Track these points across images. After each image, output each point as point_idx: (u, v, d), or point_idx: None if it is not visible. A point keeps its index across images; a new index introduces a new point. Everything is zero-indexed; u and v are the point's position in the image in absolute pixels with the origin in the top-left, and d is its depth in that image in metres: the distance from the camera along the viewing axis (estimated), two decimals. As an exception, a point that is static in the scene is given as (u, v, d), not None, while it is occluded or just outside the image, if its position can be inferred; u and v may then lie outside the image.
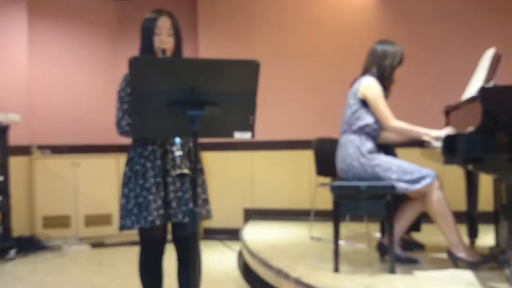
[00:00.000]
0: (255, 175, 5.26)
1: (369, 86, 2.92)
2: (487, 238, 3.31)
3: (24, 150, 5.04)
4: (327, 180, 3.76)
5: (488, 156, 2.35)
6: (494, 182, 2.98)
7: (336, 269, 2.78)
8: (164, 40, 2.17)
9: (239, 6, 5.41)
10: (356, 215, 3.92)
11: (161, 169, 2.18)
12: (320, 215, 4.14)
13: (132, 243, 4.55)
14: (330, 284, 2.59)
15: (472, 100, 2.63)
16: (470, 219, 3.30)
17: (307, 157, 4.37)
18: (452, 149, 2.42)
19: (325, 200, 3.54)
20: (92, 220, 5.14)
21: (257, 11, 5.36)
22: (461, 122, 2.88)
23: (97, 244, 5.07)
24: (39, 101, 5.32)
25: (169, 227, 2.25)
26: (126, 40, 5.66)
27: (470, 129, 2.39)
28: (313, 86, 5.15)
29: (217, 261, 4.28)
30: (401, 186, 2.80)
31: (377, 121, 2.93)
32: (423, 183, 2.79)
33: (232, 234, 4.95)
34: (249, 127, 1.75)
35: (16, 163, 4.79)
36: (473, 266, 2.73)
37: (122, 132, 2.18)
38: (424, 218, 3.13)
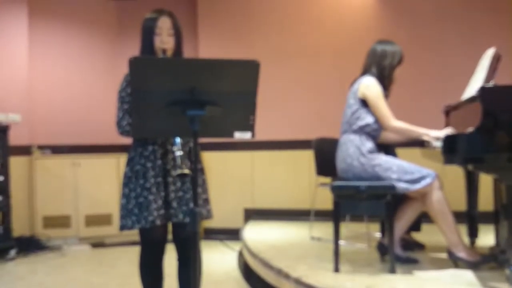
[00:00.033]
0: (255, 175, 5.27)
1: (369, 86, 2.92)
2: (487, 238, 3.31)
3: (24, 150, 5.05)
4: (327, 180, 3.76)
5: (488, 156, 2.35)
6: (494, 182, 2.98)
7: (336, 269, 2.78)
8: (164, 40, 2.17)
9: (239, 6, 5.41)
10: (356, 215, 3.92)
11: (162, 169, 2.18)
12: (320, 215, 4.14)
13: (133, 243, 4.55)
14: (331, 284, 2.59)
15: (472, 100, 2.63)
16: (470, 219, 3.30)
17: (307, 157, 4.37)
18: (452, 149, 2.42)
19: (325, 200, 3.54)
20: (92, 220, 5.14)
21: (257, 11, 5.37)
22: (461, 122, 2.88)
23: (98, 244, 5.08)
24: (39, 101, 5.33)
25: (170, 227, 2.25)
26: (126, 40, 5.66)
27: (470, 129, 2.39)
28: (313, 86, 5.15)
29: (217, 261, 4.28)
30: (401, 186, 2.80)
31: (377, 121, 2.93)
32: (423, 183, 2.79)
33: (232, 234, 4.95)
34: (249, 127, 1.75)
35: (16, 163, 4.79)
36: (473, 266, 2.73)
37: (123, 132, 2.18)
38: (424, 218, 3.13)
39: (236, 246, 4.57)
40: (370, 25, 5.01)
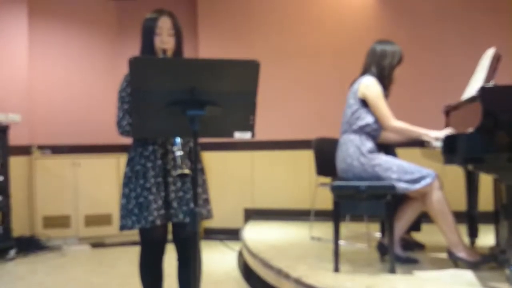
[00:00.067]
0: (255, 175, 5.27)
1: (369, 86, 2.92)
2: (487, 238, 3.31)
3: (24, 150, 5.05)
4: (327, 180, 3.76)
5: (488, 156, 2.35)
6: (494, 182, 2.98)
7: (336, 269, 2.78)
8: (164, 40, 2.17)
9: (239, 6, 5.41)
10: (356, 215, 3.92)
11: (162, 169, 2.18)
12: (320, 215, 4.14)
13: (133, 243, 4.56)
14: (331, 284, 2.59)
15: (472, 100, 2.63)
16: (470, 219, 3.30)
17: (307, 157, 4.37)
18: (452, 149, 2.42)
19: (325, 200, 3.54)
20: (92, 220, 5.14)
21: (257, 11, 5.37)
22: (461, 122, 2.88)
23: (97, 244, 5.08)
24: (39, 101, 5.33)
25: (170, 227, 2.25)
26: (126, 40, 5.66)
27: (470, 129, 2.39)
28: (313, 86, 5.15)
29: (217, 261, 4.28)
30: (401, 186, 2.80)
31: (377, 120, 2.93)
32: (423, 183, 2.79)
33: (232, 234, 4.95)
34: (249, 127, 1.75)
35: (16, 163, 4.79)
36: (473, 266, 2.73)
37: (123, 132, 2.18)
38: (424, 218, 3.13)
39: (236, 246, 4.57)
40: (370, 25, 5.01)
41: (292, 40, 5.23)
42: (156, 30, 2.17)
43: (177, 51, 2.22)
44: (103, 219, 5.17)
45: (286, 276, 2.84)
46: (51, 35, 5.45)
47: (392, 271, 2.71)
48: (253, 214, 5.19)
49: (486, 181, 3.18)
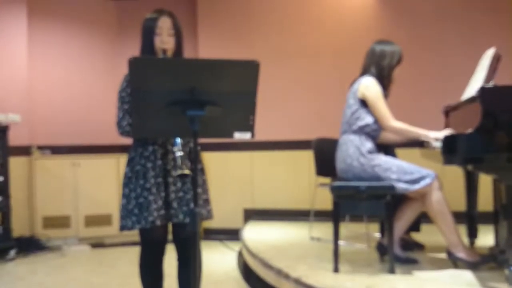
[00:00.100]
0: (255, 175, 5.27)
1: (368, 86, 2.92)
2: (486, 238, 3.31)
3: (24, 150, 5.05)
4: (327, 180, 3.76)
5: (487, 156, 2.35)
6: (494, 182, 2.98)
7: (336, 269, 2.78)
8: (165, 40, 2.17)
9: (239, 6, 5.41)
10: (356, 215, 3.92)
11: (162, 170, 2.18)
12: (320, 215, 4.14)
13: (133, 243, 4.56)
14: (330, 284, 2.59)
15: (471, 100, 2.63)
16: (470, 219, 3.31)
17: (307, 157, 4.37)
18: (451, 149, 2.42)
19: (325, 200, 3.54)
20: (92, 220, 5.14)
21: (257, 11, 5.37)
22: (461, 122, 2.88)
23: (97, 244, 5.08)
24: (39, 101, 5.33)
25: (170, 227, 2.25)
26: (126, 40, 5.66)
27: (470, 129, 2.39)
28: (313, 86, 5.15)
29: (217, 261, 4.28)
30: (400, 186, 2.80)
31: (377, 121, 2.93)
32: (422, 183, 2.79)
33: (232, 234, 4.95)
34: (249, 127, 1.75)
35: (16, 163, 4.79)
36: (473, 266, 2.73)
37: (123, 132, 2.18)
38: (423, 218, 3.13)
39: (235, 246, 4.57)
40: (370, 25, 5.01)
41: (292, 40, 5.23)
42: (156, 30, 2.17)
43: (177, 51, 2.22)
44: (103, 219, 5.17)
45: (286, 276, 2.84)
46: (51, 35, 5.46)
47: (392, 271, 2.71)
48: (253, 214, 5.19)
49: (485, 182, 3.18)
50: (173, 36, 2.19)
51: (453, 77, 4.50)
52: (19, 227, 4.74)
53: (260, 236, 4.18)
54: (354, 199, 2.80)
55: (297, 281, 2.71)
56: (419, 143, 3.06)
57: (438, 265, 2.90)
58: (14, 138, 4.72)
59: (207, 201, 2.27)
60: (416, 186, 2.80)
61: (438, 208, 2.78)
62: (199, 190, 2.22)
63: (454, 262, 2.83)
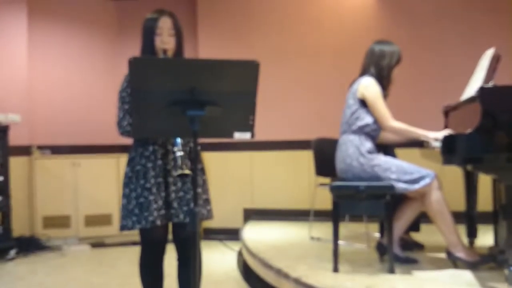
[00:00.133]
0: (255, 175, 5.27)
1: (368, 86, 2.93)
2: (486, 238, 3.32)
3: (24, 150, 5.05)
4: (326, 180, 3.76)
5: (487, 156, 2.36)
6: (493, 182, 2.99)
7: (336, 269, 2.78)
8: (165, 40, 2.17)
9: (239, 6, 5.42)
10: (356, 215, 3.92)
11: (162, 169, 2.18)
12: (320, 215, 4.14)
13: (133, 243, 4.56)
14: (330, 284, 2.59)
15: (471, 100, 2.64)
16: (469, 219, 3.31)
17: (307, 157, 4.37)
18: (451, 149, 2.43)
19: (324, 200, 3.54)
20: (92, 220, 5.14)
21: (257, 11, 5.37)
22: (461, 122, 2.88)
23: (97, 244, 5.08)
24: (39, 101, 5.33)
25: (170, 227, 2.25)
26: (126, 40, 5.67)
27: (470, 129, 2.39)
28: (313, 86, 5.16)
29: (217, 261, 4.28)
30: (400, 186, 2.80)
31: (376, 121, 2.93)
32: (422, 183, 2.79)
33: (232, 234, 4.95)
34: (249, 127, 1.76)
35: (16, 163, 4.79)
36: (472, 266, 2.73)
37: (123, 132, 2.18)
38: (423, 218, 3.14)
39: (235, 246, 4.58)
40: (370, 25, 5.01)
41: (292, 40, 5.23)
42: (157, 30, 2.17)
43: (177, 51, 2.22)
44: (103, 219, 5.17)
45: (286, 276, 2.84)
46: (51, 35, 5.46)
47: (391, 271, 2.71)
48: (253, 214, 5.19)
49: (485, 181, 3.18)
50: (173, 36, 2.19)
51: (453, 77, 4.50)
52: (19, 227, 4.74)
53: (260, 236, 4.18)
54: (353, 199, 2.80)
55: (297, 281, 2.72)
56: (418, 143, 3.06)
57: (437, 265, 2.91)
58: (14, 138, 4.72)
59: (207, 201, 2.27)
60: (416, 186, 2.80)
61: (437, 208, 2.79)
62: (199, 190, 2.22)
63: (453, 262, 2.83)
